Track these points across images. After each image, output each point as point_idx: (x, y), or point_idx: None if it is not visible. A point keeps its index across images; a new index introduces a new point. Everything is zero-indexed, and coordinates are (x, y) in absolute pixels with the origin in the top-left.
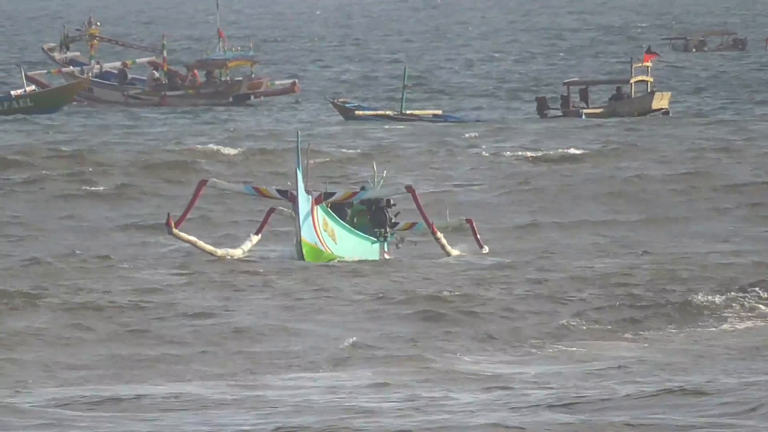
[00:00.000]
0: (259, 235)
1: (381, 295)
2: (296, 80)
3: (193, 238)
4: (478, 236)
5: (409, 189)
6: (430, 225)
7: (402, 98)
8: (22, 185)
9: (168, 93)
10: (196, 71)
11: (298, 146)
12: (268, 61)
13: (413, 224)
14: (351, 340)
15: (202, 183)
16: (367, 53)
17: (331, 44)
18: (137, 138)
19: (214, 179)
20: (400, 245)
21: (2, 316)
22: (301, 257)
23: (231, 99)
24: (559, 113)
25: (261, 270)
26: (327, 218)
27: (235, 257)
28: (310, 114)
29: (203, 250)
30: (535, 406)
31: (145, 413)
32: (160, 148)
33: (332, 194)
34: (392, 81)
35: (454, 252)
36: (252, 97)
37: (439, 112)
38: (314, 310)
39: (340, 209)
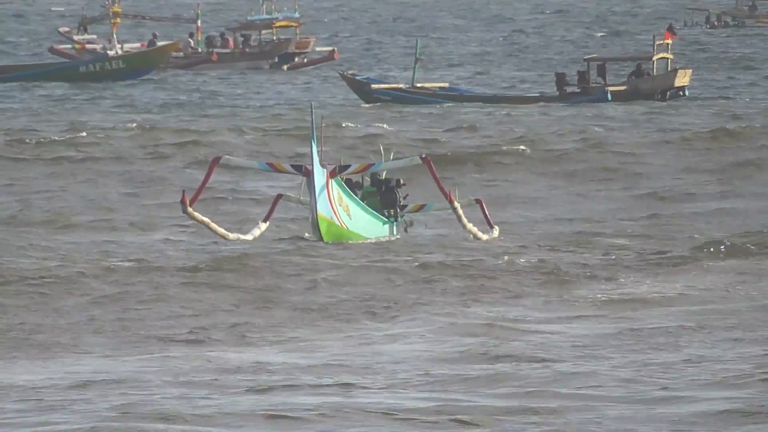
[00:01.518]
0: (267, 223)
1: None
2: (335, 48)
3: (206, 219)
4: (489, 216)
5: (425, 160)
6: (447, 194)
7: (413, 71)
8: None
9: (216, 51)
10: (231, 39)
11: (312, 120)
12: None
13: (422, 206)
14: None
15: (216, 160)
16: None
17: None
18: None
19: (228, 156)
20: (409, 228)
21: None
22: (320, 237)
23: (276, 59)
24: (578, 89)
25: None
26: (342, 192)
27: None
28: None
29: (215, 233)
30: None
31: None
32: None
33: (347, 167)
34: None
35: (470, 225)
36: (296, 58)
37: (446, 84)
38: None
39: (350, 190)
